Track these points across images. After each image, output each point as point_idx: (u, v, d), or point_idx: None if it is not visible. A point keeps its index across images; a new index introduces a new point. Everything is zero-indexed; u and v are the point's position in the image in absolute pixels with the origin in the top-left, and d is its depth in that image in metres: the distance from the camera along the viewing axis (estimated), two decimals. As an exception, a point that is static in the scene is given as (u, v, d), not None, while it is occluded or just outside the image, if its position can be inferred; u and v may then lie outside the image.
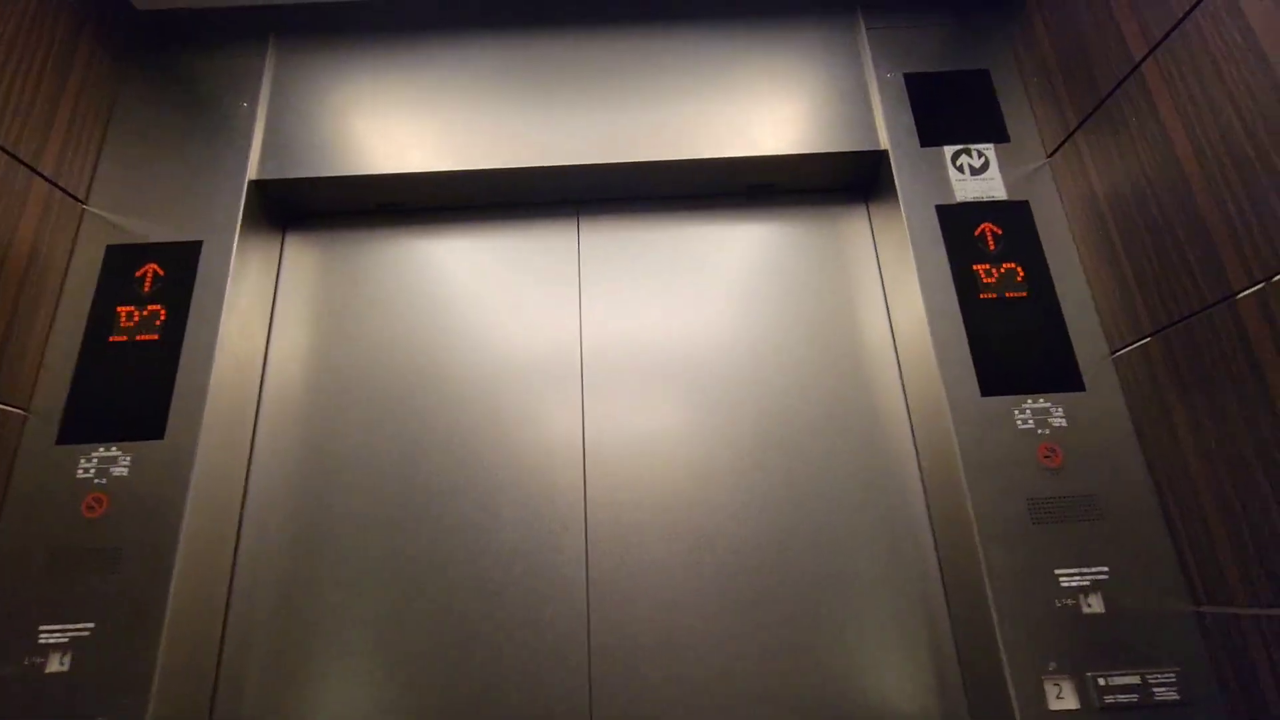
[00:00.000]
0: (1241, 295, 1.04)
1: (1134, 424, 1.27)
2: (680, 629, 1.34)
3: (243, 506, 1.43)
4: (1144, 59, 1.21)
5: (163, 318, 1.37)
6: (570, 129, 1.55)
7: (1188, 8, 1.11)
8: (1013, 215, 1.43)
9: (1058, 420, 1.29)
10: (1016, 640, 1.15)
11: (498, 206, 1.67)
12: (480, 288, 1.60)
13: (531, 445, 1.46)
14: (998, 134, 1.50)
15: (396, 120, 1.57)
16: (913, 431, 1.47)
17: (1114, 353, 1.32)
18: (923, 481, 1.43)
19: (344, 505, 1.43)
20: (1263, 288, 1.01)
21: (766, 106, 1.57)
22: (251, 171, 1.51)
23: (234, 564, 1.39)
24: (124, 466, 1.26)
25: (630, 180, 1.59)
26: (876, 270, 1.60)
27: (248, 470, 1.46)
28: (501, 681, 1.30)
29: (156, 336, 1.35)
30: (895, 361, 1.52)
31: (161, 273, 1.41)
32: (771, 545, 1.39)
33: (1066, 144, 1.42)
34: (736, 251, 1.63)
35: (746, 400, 1.50)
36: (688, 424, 1.48)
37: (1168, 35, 1.15)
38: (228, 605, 1.36)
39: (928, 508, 1.42)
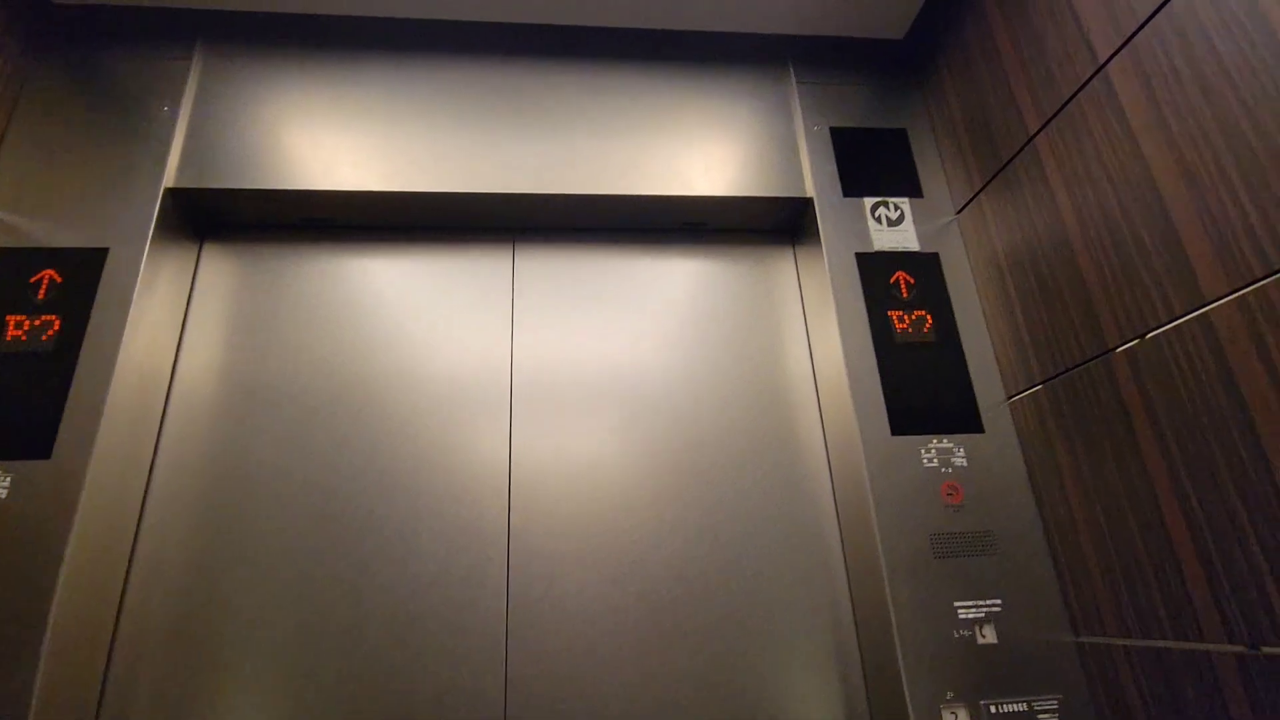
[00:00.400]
0: (1115, 351, 1.15)
1: (1026, 465, 1.38)
2: (598, 661, 1.33)
3: (137, 531, 1.34)
4: (1037, 133, 1.33)
5: (57, 328, 1.28)
6: (509, 157, 1.56)
7: (1073, 91, 1.24)
8: (924, 266, 1.53)
9: (959, 460, 1.37)
10: (918, 669, 1.20)
11: (432, 229, 1.65)
12: (410, 310, 1.57)
13: (456, 472, 1.44)
14: (913, 189, 1.62)
15: (329, 136, 1.54)
16: (829, 466, 1.53)
17: (1009, 398, 1.42)
18: (837, 515, 1.49)
19: (250, 531, 1.36)
20: (1133, 346, 1.12)
21: (702, 149, 1.63)
22: (169, 179, 1.44)
23: (124, 593, 1.30)
24: (3, 487, 1.16)
25: (567, 211, 1.61)
26: (800, 310, 1.67)
27: (145, 493, 1.37)
28: (414, 714, 1.26)
29: (50, 348, 1.26)
30: (815, 398, 1.59)
31: (60, 280, 1.32)
32: (691, 576, 1.41)
33: (972, 203, 1.54)
34: (669, 285, 1.67)
35: (672, 431, 1.52)
36: (614, 453, 1.49)
37: (1056, 114, 1.28)
38: (114, 637, 1.27)
39: (841, 540, 1.48)
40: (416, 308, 1.57)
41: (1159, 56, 1.07)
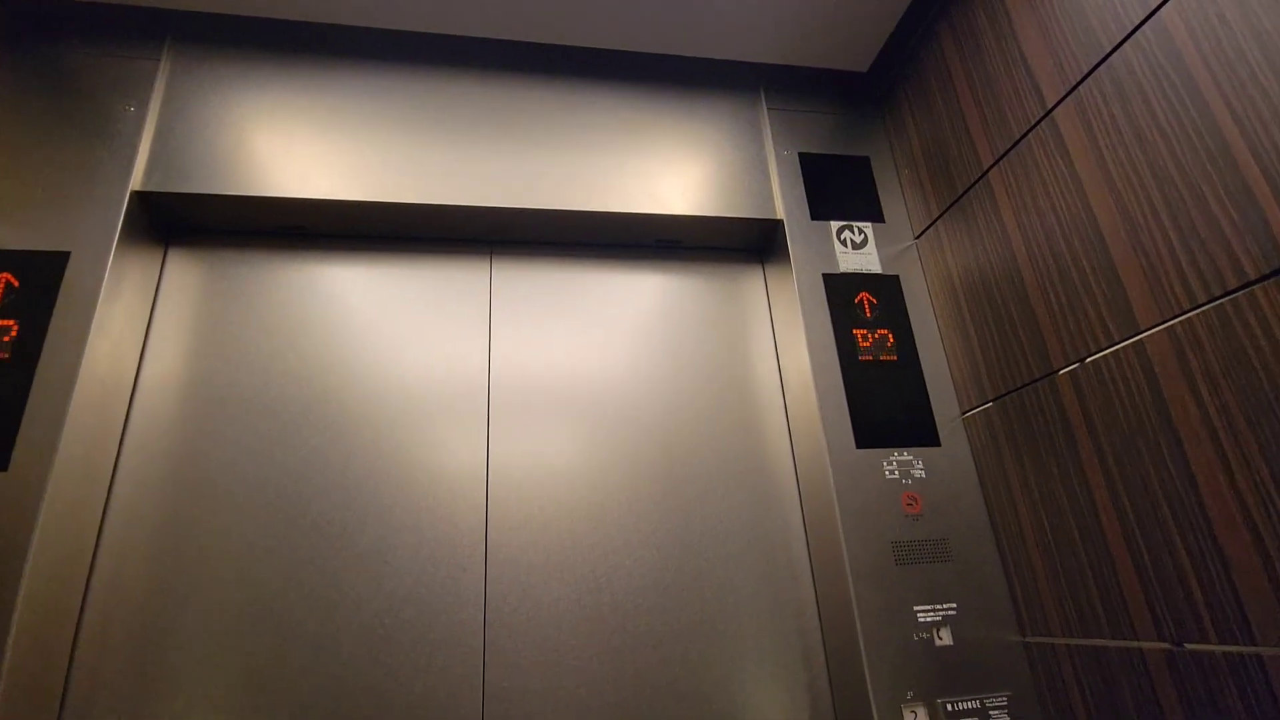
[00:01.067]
0: (1060, 373, 1.25)
1: (978, 476, 1.47)
2: (573, 670, 1.35)
3: (97, 545, 1.29)
4: (991, 167, 1.43)
5: (14, 334, 1.23)
6: (487, 171, 1.58)
7: (1023, 131, 1.34)
8: (886, 287, 1.62)
9: (918, 472, 1.46)
10: (880, 671, 1.27)
11: (408, 240, 1.65)
12: (386, 319, 1.56)
13: (432, 485, 1.44)
14: (875, 214, 1.71)
15: (304, 143, 1.52)
16: (797, 477, 1.60)
17: (964, 413, 1.52)
18: (804, 524, 1.56)
19: (216, 546, 1.33)
20: (1076, 368, 1.22)
21: (677, 169, 1.68)
22: (135, 181, 1.40)
23: (83, 608, 1.25)
24: (-48, 502, 1.11)
25: (544, 225, 1.64)
26: (769, 327, 1.74)
27: (106, 505, 1.32)
28: (387, 732, 1.26)
29: (6, 355, 1.21)
30: (784, 411, 1.66)
31: (17, 284, 1.27)
32: (664, 584, 1.45)
33: (930, 229, 1.64)
34: (643, 300, 1.71)
35: (646, 442, 1.56)
36: (589, 464, 1.52)
37: (1008, 152, 1.38)
38: (73, 653, 1.22)
39: (808, 548, 1.54)
40: (391, 318, 1.57)
41: (1100, 105, 1.17)
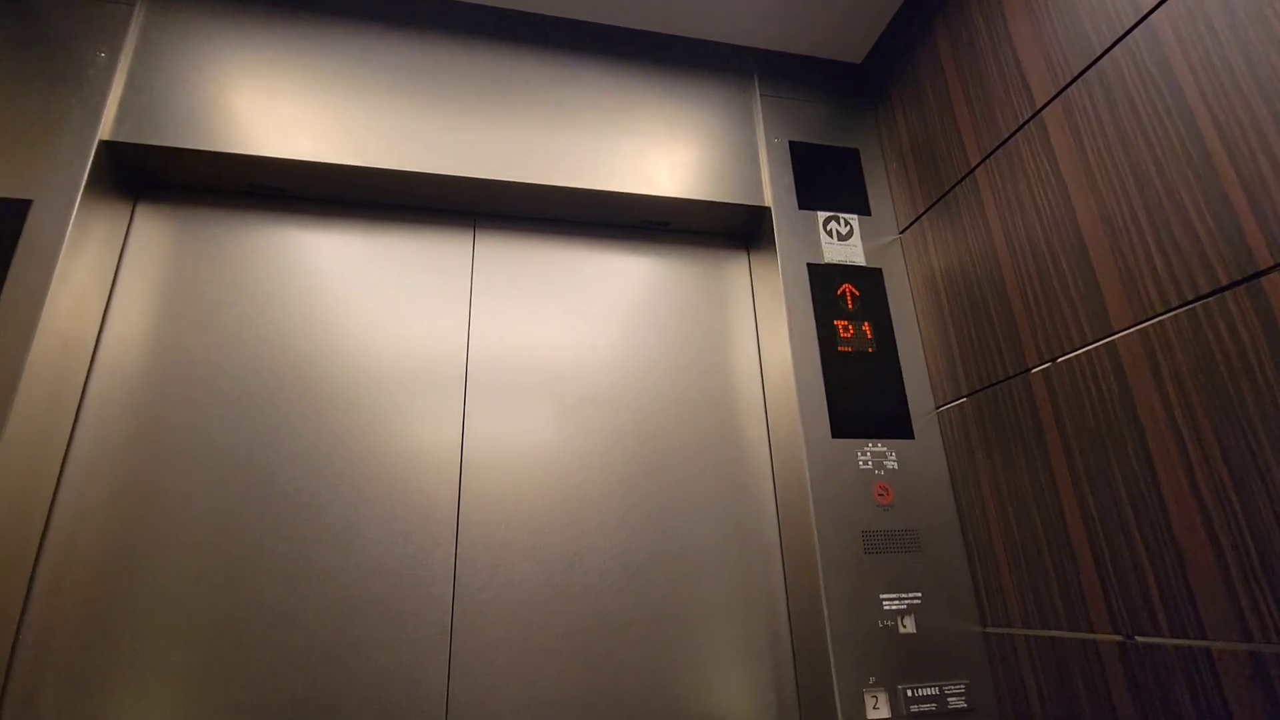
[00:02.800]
0: (1034, 370, 1.28)
1: (949, 470, 1.50)
2: (541, 650, 1.35)
3: (51, 511, 1.25)
4: (978, 165, 1.44)
5: (-31, 284, 1.18)
6: (473, 141, 1.55)
7: (1012, 130, 1.35)
8: (869, 280, 1.63)
9: (891, 463, 1.48)
10: (844, 657, 1.29)
11: (390, 207, 1.62)
12: (365, 287, 1.53)
13: (405, 457, 1.42)
14: (862, 207, 1.71)
15: (286, 102, 1.47)
16: (772, 464, 1.61)
17: (938, 407, 1.54)
18: (777, 511, 1.57)
19: (177, 514, 1.29)
20: (1049, 367, 1.24)
21: (666, 150, 1.66)
22: (104, 131, 1.34)
23: (33, 576, 1.21)
24: (-103, 455, 1.06)
25: (530, 200, 1.61)
26: (752, 313, 1.74)
27: (61, 469, 1.28)
28: (352, 703, 1.24)
29: (-41, 305, 1.16)
30: (762, 398, 1.67)
31: (-27, 231, 1.21)
32: (636, 567, 1.46)
33: (915, 224, 1.65)
34: (627, 281, 1.70)
35: (624, 424, 1.56)
36: (567, 443, 1.51)
37: (996, 150, 1.39)
38: (20, 624, 1.18)
39: (780, 535, 1.56)
40: (370, 286, 1.53)
41: (1088, 107, 1.18)
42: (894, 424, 1.51)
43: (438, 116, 1.55)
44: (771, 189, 1.67)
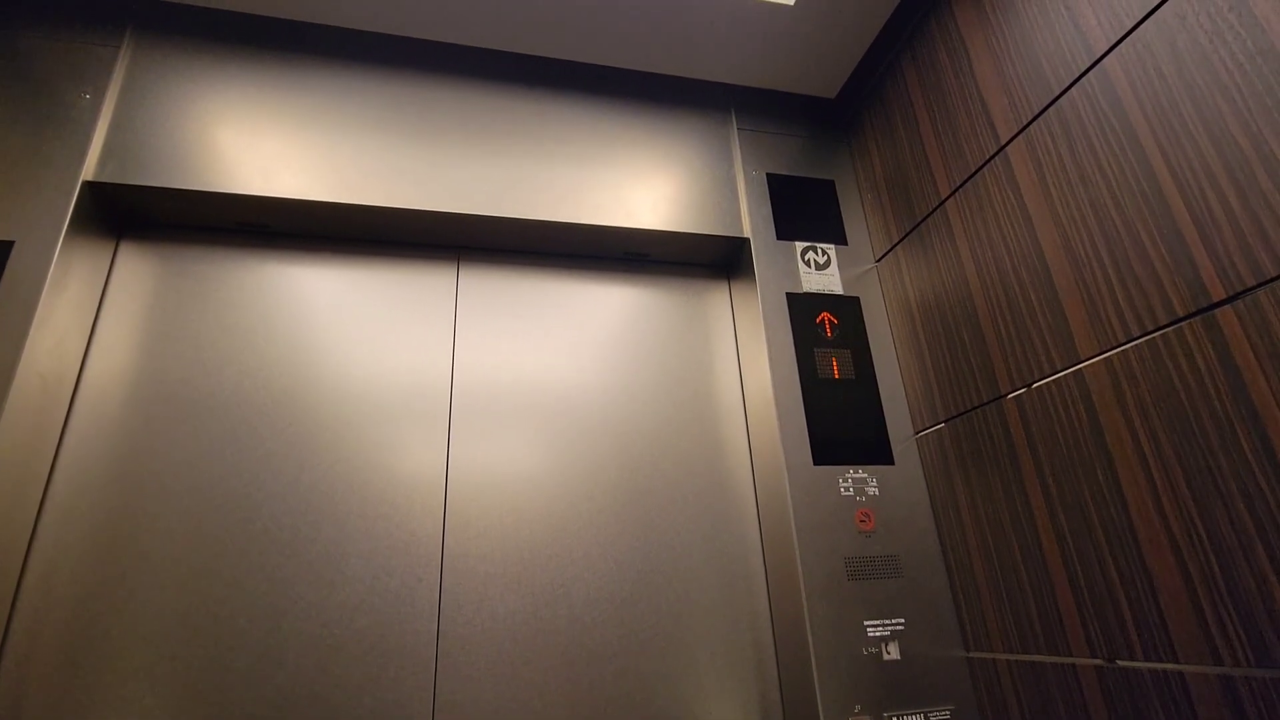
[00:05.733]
0: (1007, 397, 1.31)
1: (929, 495, 1.52)
2: (526, 684, 1.34)
3: (28, 551, 1.24)
4: (948, 198, 1.49)
5: (-51, 325, 1.17)
6: (457, 177, 1.57)
7: (979, 164, 1.40)
8: (847, 308, 1.67)
9: (872, 489, 1.50)
10: (830, 684, 1.30)
11: (373, 243, 1.63)
12: (348, 322, 1.54)
13: (389, 491, 1.42)
14: (838, 237, 1.75)
15: (270, 140, 1.49)
16: (755, 491, 1.63)
17: (917, 433, 1.57)
18: (761, 538, 1.58)
19: (157, 551, 1.28)
20: (1022, 393, 1.27)
21: (647, 184, 1.70)
22: (87, 171, 1.36)
23: (12, 612, 1.19)
24: None
25: (512, 234, 1.64)
26: (733, 342, 1.77)
27: (40, 509, 1.26)
28: (332, 745, 1.23)
29: (-62, 348, 1.15)
30: (744, 426, 1.68)
31: (-46, 273, 1.21)
32: (621, 597, 1.46)
33: (890, 254, 1.69)
34: (609, 312, 1.72)
35: (607, 454, 1.57)
36: (550, 475, 1.52)
37: (964, 183, 1.44)
38: (-7, 668, 1.16)
39: (764, 562, 1.56)
40: (354, 321, 1.54)
41: (1049, 144, 1.23)
42: (874, 450, 1.54)
43: (421, 153, 1.58)
44: (750, 220, 1.71)
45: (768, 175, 1.78)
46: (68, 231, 1.30)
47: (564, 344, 1.65)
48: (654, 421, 1.63)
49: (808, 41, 1.68)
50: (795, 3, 1.54)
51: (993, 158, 1.36)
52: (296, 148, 1.50)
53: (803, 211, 1.76)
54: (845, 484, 1.48)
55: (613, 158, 1.71)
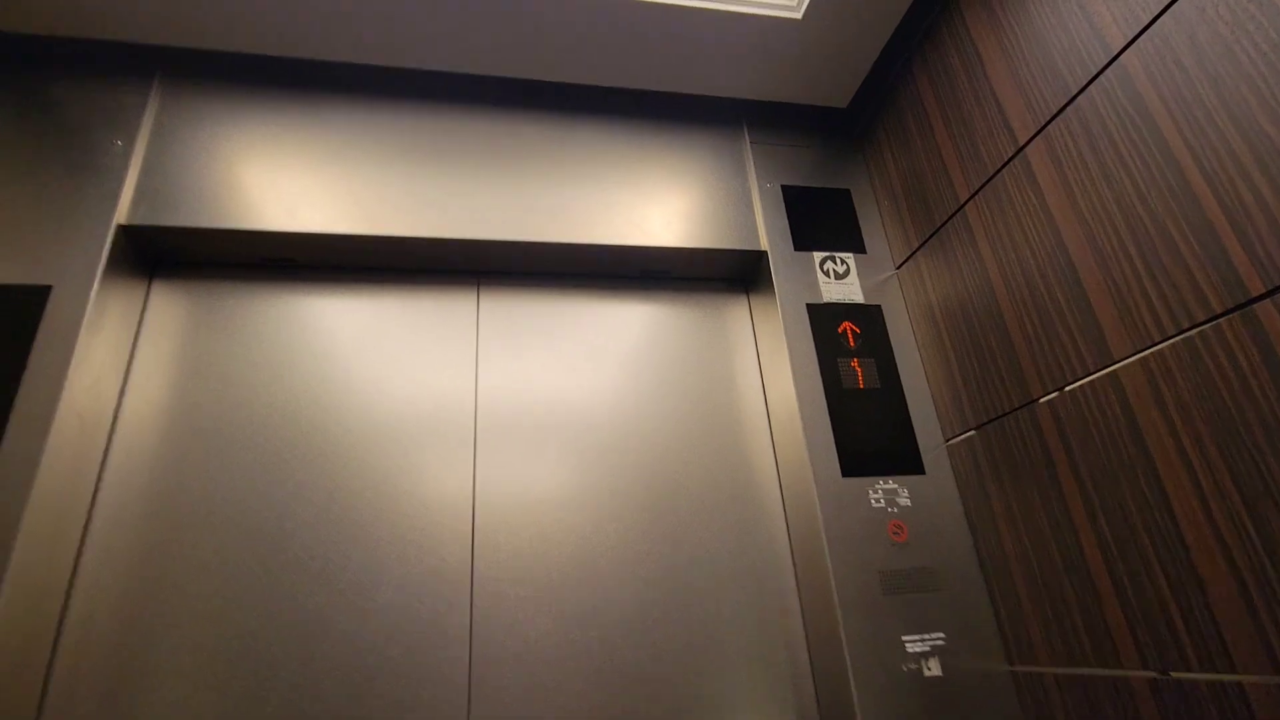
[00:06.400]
0: (1039, 401, 1.28)
1: (963, 504, 1.48)
2: (559, 708, 1.33)
3: (70, 586, 1.26)
4: (967, 201, 1.47)
5: (-8, 370, 1.21)
6: (475, 203, 1.59)
7: (997, 167, 1.38)
8: (869, 317, 1.65)
9: (904, 500, 1.47)
10: (870, 703, 1.27)
11: (395, 271, 1.66)
12: (372, 350, 1.56)
13: (418, 518, 1.42)
14: (857, 246, 1.74)
15: (293, 177, 1.53)
16: (784, 506, 1.60)
17: (947, 441, 1.54)
18: (791, 554, 1.56)
19: (193, 584, 1.30)
20: (1054, 397, 1.24)
21: (661, 202, 1.71)
22: (121, 215, 1.40)
23: (54, 651, 1.21)
24: (-80, 543, 1.08)
25: (531, 257, 1.65)
26: (755, 356, 1.76)
27: (81, 545, 1.29)
28: (369, 775, 1.22)
29: (-17, 391, 1.19)
30: (770, 441, 1.67)
31: (-4, 318, 1.25)
32: (653, 617, 1.44)
33: (910, 260, 1.67)
34: (630, 330, 1.72)
35: (634, 473, 1.56)
36: (577, 495, 1.52)
37: (983, 187, 1.42)
38: (43, 697, 1.18)
39: (796, 578, 1.54)
40: (378, 350, 1.56)
41: (1069, 144, 1.22)
42: (903, 460, 1.51)
43: (439, 182, 1.60)
44: (767, 233, 1.71)
45: (783, 187, 1.78)
46: (103, 274, 1.34)
47: (586, 364, 1.65)
48: (678, 438, 1.62)
49: (817, 53, 1.69)
50: (803, 16, 1.55)
51: (1012, 159, 1.35)
52: (318, 182, 1.53)
53: (820, 222, 1.76)
54: (876, 495, 1.46)
55: (627, 177, 1.72)
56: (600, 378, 1.64)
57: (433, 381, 1.56)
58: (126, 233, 1.42)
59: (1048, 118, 1.26)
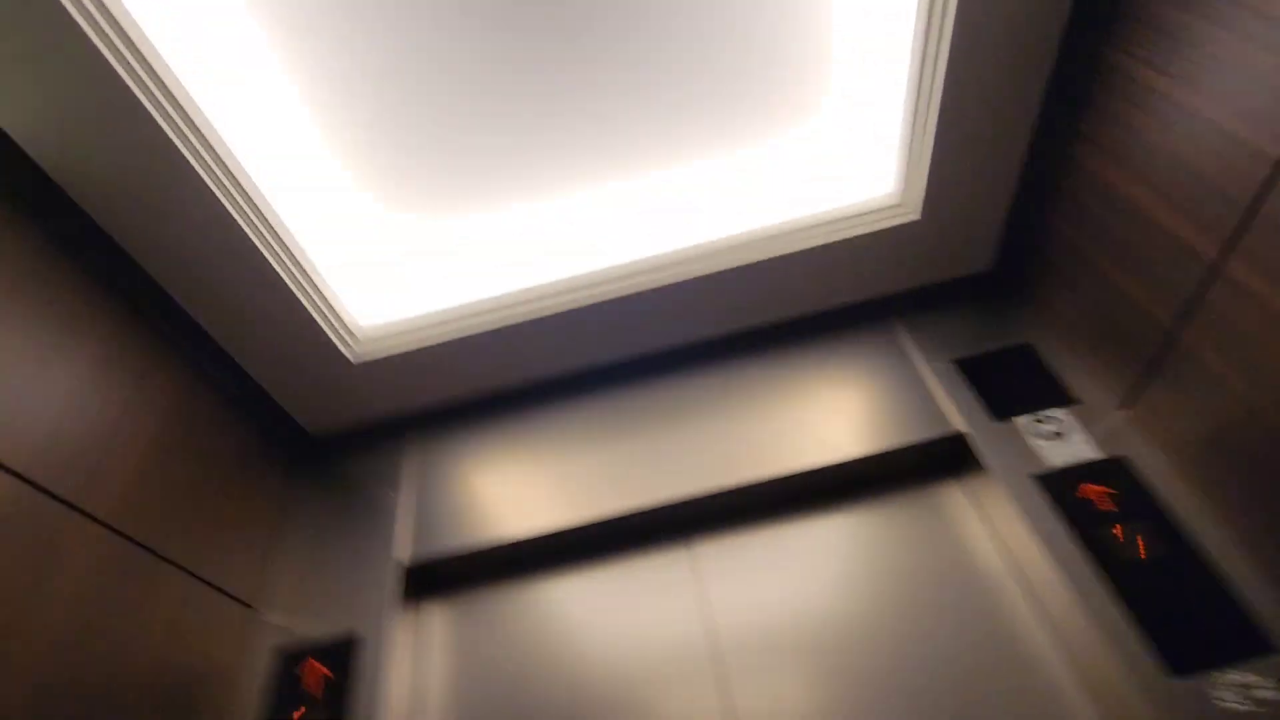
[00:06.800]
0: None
1: (1359, 688, 1.14)
2: None
3: None
4: (1174, 326, 1.35)
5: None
6: (670, 467, 1.74)
7: (1193, 288, 1.28)
8: (1114, 473, 1.47)
9: (1267, 692, 1.17)
10: None
11: (615, 542, 1.79)
12: (603, 621, 1.65)
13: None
14: (1063, 398, 1.62)
15: (523, 485, 1.79)
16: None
17: (1290, 604, 1.24)
18: (1142, 790, 1.25)
19: None
20: None
21: (838, 415, 1.74)
22: (401, 556, 1.70)
23: None
24: None
25: (734, 499, 1.72)
26: (990, 544, 1.60)
27: None
28: None
29: (324, 744, 1.41)
30: (1049, 639, 1.44)
31: (326, 672, 1.51)
32: None
33: (1132, 400, 1.52)
34: (847, 543, 1.67)
35: (887, 687, 1.41)
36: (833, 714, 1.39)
37: (1187, 310, 1.31)
38: None
39: (1162, 825, 1.22)
40: (608, 619, 1.64)
41: (1272, 246, 1.11)
42: (1242, 639, 1.23)
43: (641, 453, 1.78)
44: (956, 412, 1.65)
45: (955, 362, 1.75)
46: (394, 612, 1.59)
47: (811, 585, 1.60)
48: (926, 641, 1.46)
49: (947, 237, 1.76)
50: (922, 216, 1.65)
51: (1210, 279, 1.25)
52: (541, 487, 1.78)
53: (1010, 384, 1.68)
54: (1222, 693, 1.17)
55: (797, 402, 1.80)
56: (828, 595, 1.57)
57: (664, 634, 1.59)
58: (409, 572, 1.70)
59: (1228, 233, 1.18)
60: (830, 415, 1.75)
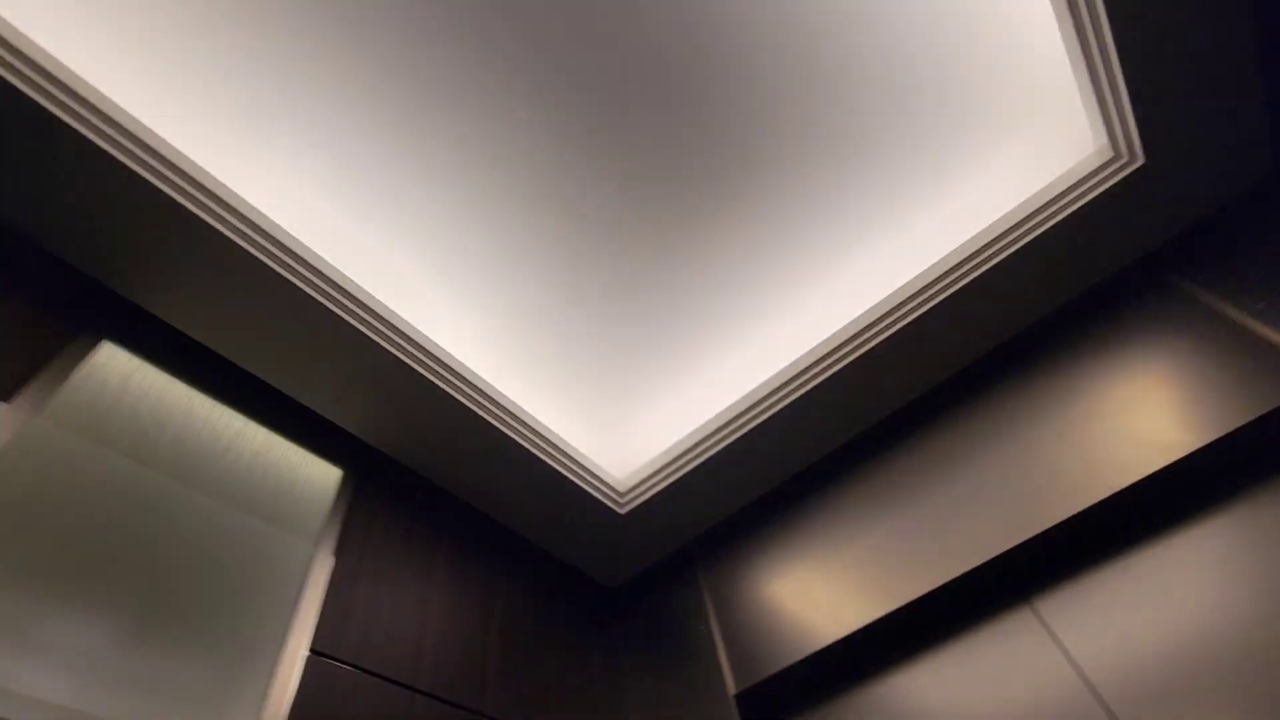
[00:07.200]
0: None
1: None
2: None
3: None
4: None
5: None
6: (979, 515, 1.59)
7: None
8: None
9: None
10: None
11: (943, 611, 1.63)
12: (964, 697, 1.49)
13: None
14: None
15: (825, 581, 1.73)
16: None
17: None
18: None
19: None
20: None
21: (1149, 406, 1.47)
22: (730, 686, 1.71)
23: None
24: None
25: (1060, 534, 1.49)
26: None
27: None
28: None
29: None
30: None
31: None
32: None
33: None
34: (1212, 552, 1.34)
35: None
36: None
37: None
38: None
39: None
40: (969, 696, 1.47)
41: None
42: None
43: (936, 518, 1.65)
44: None
45: None
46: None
47: (1182, 615, 1.31)
48: None
49: (1183, 170, 1.49)
50: (1147, 160, 1.43)
51: None
52: (844, 579, 1.71)
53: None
54: None
55: (1093, 403, 1.56)
56: (1223, 620, 1.26)
57: (1039, 699, 1.38)
58: (739, 698, 1.71)
59: None
60: (1140, 409, 1.48)
